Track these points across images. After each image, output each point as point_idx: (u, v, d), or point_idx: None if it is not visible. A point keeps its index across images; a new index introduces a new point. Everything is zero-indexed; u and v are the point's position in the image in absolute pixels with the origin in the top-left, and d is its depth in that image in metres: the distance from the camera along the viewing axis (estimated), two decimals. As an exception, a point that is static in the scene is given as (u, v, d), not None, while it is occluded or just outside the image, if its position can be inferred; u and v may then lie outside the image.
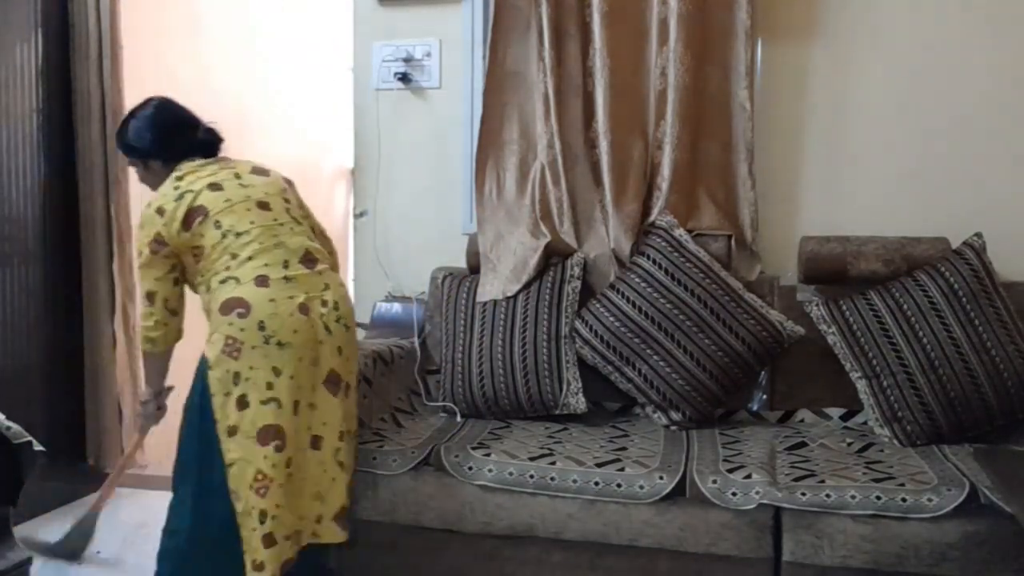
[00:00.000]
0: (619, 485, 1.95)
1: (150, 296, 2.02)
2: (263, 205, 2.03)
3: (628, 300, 2.39)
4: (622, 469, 1.98)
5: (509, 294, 2.50)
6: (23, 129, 2.97)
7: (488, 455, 2.07)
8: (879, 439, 2.18)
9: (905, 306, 2.22)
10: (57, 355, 3.11)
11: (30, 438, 1.98)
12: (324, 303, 1.96)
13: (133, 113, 2.15)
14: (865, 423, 2.31)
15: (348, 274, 3.39)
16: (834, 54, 2.63)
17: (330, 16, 4.25)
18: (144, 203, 2.03)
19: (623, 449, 2.11)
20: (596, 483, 1.96)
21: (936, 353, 2.14)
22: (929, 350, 2.15)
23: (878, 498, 1.81)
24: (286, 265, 1.96)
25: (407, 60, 2.92)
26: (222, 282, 1.93)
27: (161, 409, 2.23)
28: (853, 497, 1.82)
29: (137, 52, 3.38)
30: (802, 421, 2.41)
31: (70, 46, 3.11)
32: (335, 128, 4.41)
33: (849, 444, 2.16)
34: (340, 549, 2.04)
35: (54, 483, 3.10)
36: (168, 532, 1.92)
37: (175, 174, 2.05)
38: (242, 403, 1.86)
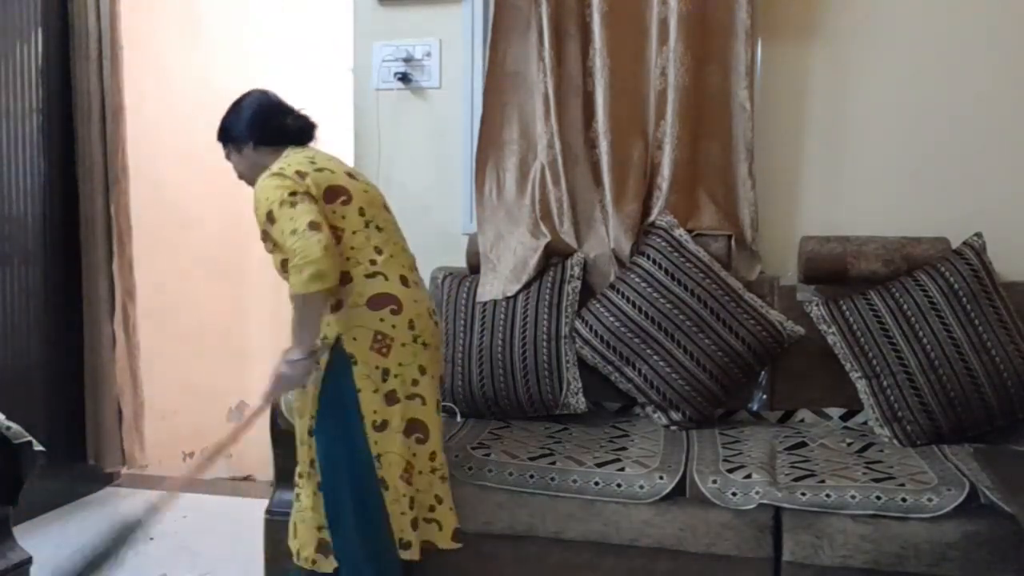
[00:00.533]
0: (619, 485, 1.95)
1: (314, 225, 1.78)
2: (386, 207, 2.05)
3: (628, 300, 2.39)
4: (622, 469, 1.98)
5: (509, 294, 2.50)
6: (23, 129, 2.97)
7: (488, 455, 2.07)
8: (879, 439, 2.18)
9: (905, 306, 2.22)
10: (57, 355, 3.11)
11: (30, 438, 1.98)
12: (435, 311, 2.02)
13: (234, 105, 2.13)
14: (865, 423, 2.31)
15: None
16: (834, 54, 2.63)
17: (330, 16, 4.25)
18: (269, 172, 1.90)
19: (623, 449, 2.11)
20: (596, 483, 1.96)
21: (936, 353, 2.14)
22: (929, 350, 2.15)
23: (878, 498, 1.81)
24: (412, 270, 2.01)
25: (407, 60, 2.92)
26: (369, 276, 1.89)
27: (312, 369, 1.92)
28: (853, 497, 1.82)
29: (137, 52, 3.38)
30: (802, 421, 2.41)
31: (70, 46, 3.11)
32: (335, 128, 4.41)
33: (849, 444, 2.16)
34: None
35: (54, 483, 3.10)
36: (335, 535, 1.89)
37: (297, 151, 2.00)
38: (391, 399, 1.87)
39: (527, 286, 2.51)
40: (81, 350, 3.18)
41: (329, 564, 1.88)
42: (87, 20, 3.09)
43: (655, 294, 2.37)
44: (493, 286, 2.54)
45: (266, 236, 1.92)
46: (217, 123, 2.15)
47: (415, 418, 1.90)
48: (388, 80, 2.94)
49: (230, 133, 2.10)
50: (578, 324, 2.44)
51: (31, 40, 2.99)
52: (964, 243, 2.30)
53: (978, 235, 2.30)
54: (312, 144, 2.11)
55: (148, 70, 3.52)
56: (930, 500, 1.79)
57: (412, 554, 1.89)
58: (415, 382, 1.90)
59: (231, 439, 2.00)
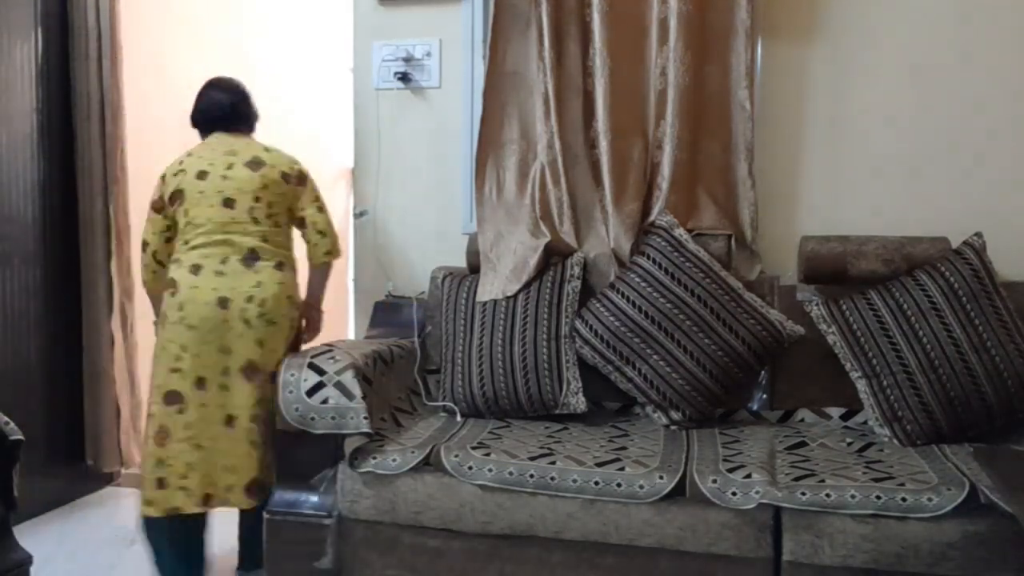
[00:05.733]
0: (619, 485, 1.95)
1: (143, 245, 2.41)
2: (228, 202, 2.30)
3: (628, 300, 2.39)
4: (622, 469, 1.98)
5: (509, 294, 2.50)
6: (23, 129, 2.97)
7: (488, 455, 2.07)
8: (879, 439, 2.18)
9: (905, 306, 2.22)
10: (56, 355, 3.11)
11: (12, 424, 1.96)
12: (250, 299, 2.24)
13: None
14: (865, 423, 2.31)
15: (348, 274, 3.39)
16: (834, 54, 2.63)
17: (330, 16, 4.25)
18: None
19: (623, 449, 2.11)
20: (596, 483, 1.96)
21: (936, 353, 2.14)
22: (929, 350, 2.15)
23: (878, 498, 1.81)
24: (224, 261, 2.26)
25: (407, 60, 2.92)
26: (173, 261, 2.31)
27: None
28: (853, 497, 1.82)
29: (137, 52, 3.38)
30: (802, 421, 2.41)
31: (69, 46, 3.11)
32: (335, 128, 4.41)
33: (849, 444, 2.16)
34: (337, 546, 2.06)
35: (54, 483, 3.10)
36: None
37: (206, 141, 2.44)
38: (159, 368, 2.24)
39: (527, 286, 2.51)
40: (80, 350, 3.18)
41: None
42: (86, 19, 3.09)
43: (655, 294, 2.37)
44: (493, 286, 2.54)
45: None
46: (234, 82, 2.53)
47: (174, 389, 2.20)
48: (388, 80, 2.94)
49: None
50: (578, 324, 2.44)
51: (31, 40, 2.99)
52: (964, 243, 2.30)
53: (978, 235, 2.30)
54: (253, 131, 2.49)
55: (148, 70, 3.52)
56: (930, 500, 1.79)
57: (151, 510, 2.19)
58: (178, 357, 2.20)
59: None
